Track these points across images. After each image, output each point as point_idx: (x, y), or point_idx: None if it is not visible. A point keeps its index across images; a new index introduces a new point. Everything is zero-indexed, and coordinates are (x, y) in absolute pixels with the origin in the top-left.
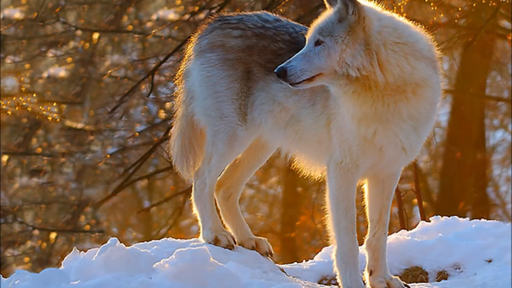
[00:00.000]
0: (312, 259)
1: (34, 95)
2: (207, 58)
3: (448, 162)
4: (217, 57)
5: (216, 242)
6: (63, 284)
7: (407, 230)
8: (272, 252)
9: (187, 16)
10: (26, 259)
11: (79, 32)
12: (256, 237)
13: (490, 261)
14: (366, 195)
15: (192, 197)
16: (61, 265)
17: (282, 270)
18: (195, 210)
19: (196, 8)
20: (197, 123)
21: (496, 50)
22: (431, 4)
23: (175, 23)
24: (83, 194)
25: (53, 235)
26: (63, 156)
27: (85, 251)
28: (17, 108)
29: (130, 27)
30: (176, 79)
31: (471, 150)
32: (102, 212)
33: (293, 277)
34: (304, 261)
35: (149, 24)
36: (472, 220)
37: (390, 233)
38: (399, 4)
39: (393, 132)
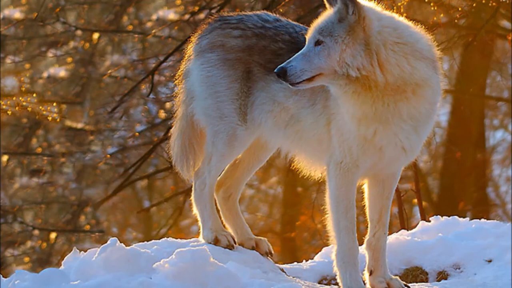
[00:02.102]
0: (312, 259)
1: (34, 95)
2: (207, 58)
3: (448, 162)
4: (217, 57)
5: (216, 242)
6: (63, 284)
7: (407, 230)
8: (272, 252)
9: (187, 16)
10: (26, 259)
11: (79, 32)
12: (256, 237)
13: (490, 261)
14: (366, 195)
15: (192, 197)
16: (61, 265)
17: (282, 270)
18: (195, 210)
19: (196, 8)
20: (197, 123)
21: (496, 50)
22: (431, 4)
23: (175, 23)
24: (83, 194)
25: (53, 235)
26: (63, 156)
27: (85, 251)
28: (17, 108)
29: (130, 27)
30: (176, 79)
31: (471, 150)
32: (102, 212)
33: (293, 277)
34: (304, 261)
35: (149, 24)
36: (472, 220)
37: (390, 233)
38: (399, 4)
39: (393, 132)
